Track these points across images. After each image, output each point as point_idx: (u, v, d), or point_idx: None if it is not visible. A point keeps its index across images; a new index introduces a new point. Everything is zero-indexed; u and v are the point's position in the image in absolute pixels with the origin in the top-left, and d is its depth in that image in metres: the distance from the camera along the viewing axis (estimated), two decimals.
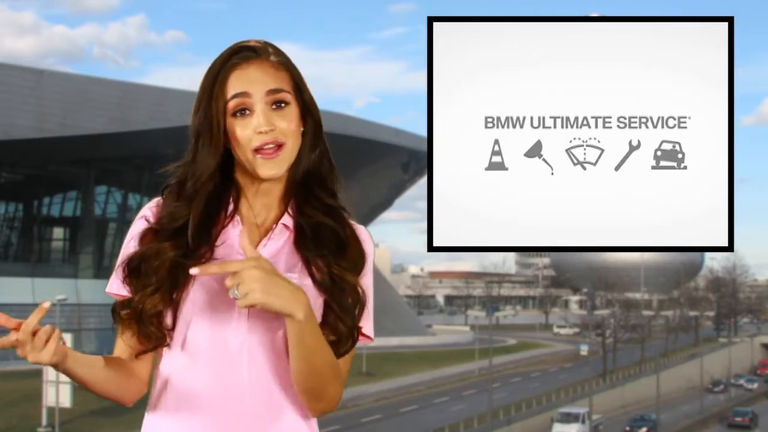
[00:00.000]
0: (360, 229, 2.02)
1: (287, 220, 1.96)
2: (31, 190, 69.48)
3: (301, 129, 1.95)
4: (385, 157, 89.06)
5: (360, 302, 1.94)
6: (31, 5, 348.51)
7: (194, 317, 1.90)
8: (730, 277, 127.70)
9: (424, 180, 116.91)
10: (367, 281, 1.99)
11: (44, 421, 35.93)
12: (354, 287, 1.93)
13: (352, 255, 1.95)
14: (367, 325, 2.00)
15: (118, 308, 1.93)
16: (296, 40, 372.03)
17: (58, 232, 73.22)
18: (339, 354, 1.93)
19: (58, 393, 33.86)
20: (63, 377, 33.92)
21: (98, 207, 72.07)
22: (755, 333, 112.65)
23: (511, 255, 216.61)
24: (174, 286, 1.88)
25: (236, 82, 1.89)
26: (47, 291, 57.38)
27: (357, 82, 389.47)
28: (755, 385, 78.43)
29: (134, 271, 1.92)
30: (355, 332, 1.94)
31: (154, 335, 1.91)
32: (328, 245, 1.93)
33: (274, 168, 1.89)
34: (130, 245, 1.96)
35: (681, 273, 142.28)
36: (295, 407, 1.93)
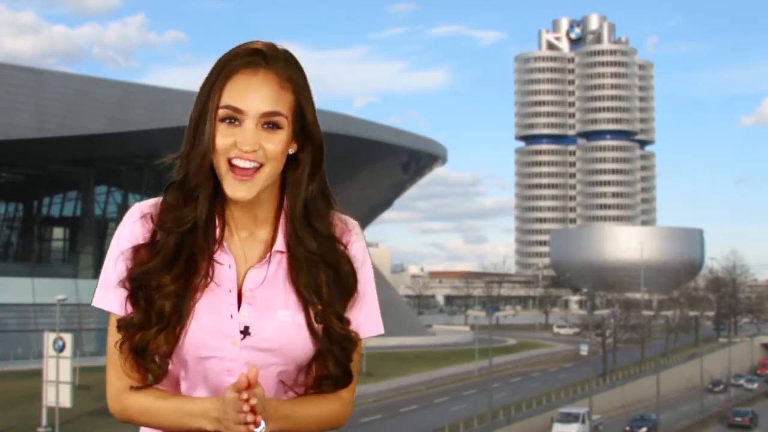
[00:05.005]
0: (348, 231, 1.99)
1: (280, 245, 1.94)
2: (31, 190, 69.45)
3: (291, 151, 1.91)
4: (385, 157, 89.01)
5: (354, 345, 1.96)
6: (31, 5, 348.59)
7: (191, 352, 1.89)
8: (730, 277, 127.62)
9: (424, 180, 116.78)
10: (365, 277, 1.98)
11: (44, 421, 35.89)
12: (346, 336, 1.93)
13: (341, 294, 1.94)
14: (374, 321, 2.01)
15: (122, 328, 1.90)
16: (296, 40, 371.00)
17: (58, 232, 73.21)
18: (337, 390, 1.97)
19: (58, 393, 33.84)
20: (63, 377, 33.92)
21: (98, 207, 72.06)
22: (755, 333, 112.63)
23: (511, 255, 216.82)
24: (178, 322, 1.87)
25: (235, 91, 1.84)
26: (47, 291, 57.35)
27: (357, 82, 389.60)
28: (755, 385, 78.45)
29: (136, 294, 1.89)
30: (348, 373, 1.96)
31: (154, 372, 1.91)
32: (319, 288, 1.92)
33: (245, 190, 1.85)
34: (121, 261, 1.91)
35: (681, 273, 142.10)
36: None
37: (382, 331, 2.02)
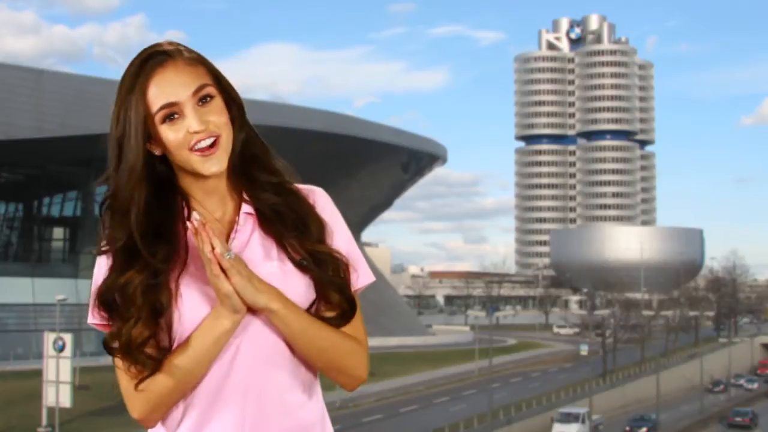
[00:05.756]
0: (312, 192, 2.04)
1: (247, 207, 1.98)
2: (31, 190, 69.46)
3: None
4: (385, 157, 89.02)
5: (343, 266, 1.97)
6: (31, 5, 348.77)
7: (190, 327, 1.90)
8: (730, 277, 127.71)
9: (424, 180, 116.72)
10: (340, 235, 2.01)
11: (44, 421, 35.91)
12: (331, 255, 1.96)
13: (313, 224, 1.98)
14: (362, 271, 2.02)
15: (109, 341, 1.91)
16: (296, 40, 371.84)
17: (58, 232, 73.19)
18: (346, 323, 1.97)
19: (58, 393, 33.85)
20: (63, 377, 33.88)
21: (98, 207, 72.01)
22: (755, 333, 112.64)
23: (511, 255, 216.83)
24: (154, 311, 1.88)
25: (159, 91, 1.89)
26: (47, 291, 57.37)
27: (357, 82, 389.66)
28: (755, 385, 78.47)
29: (109, 304, 1.91)
30: (350, 298, 1.97)
31: (148, 363, 1.89)
32: (291, 224, 1.96)
33: (216, 164, 1.89)
34: (99, 277, 1.95)
35: (681, 273, 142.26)
36: (297, 389, 1.96)
37: (372, 278, 2.04)
